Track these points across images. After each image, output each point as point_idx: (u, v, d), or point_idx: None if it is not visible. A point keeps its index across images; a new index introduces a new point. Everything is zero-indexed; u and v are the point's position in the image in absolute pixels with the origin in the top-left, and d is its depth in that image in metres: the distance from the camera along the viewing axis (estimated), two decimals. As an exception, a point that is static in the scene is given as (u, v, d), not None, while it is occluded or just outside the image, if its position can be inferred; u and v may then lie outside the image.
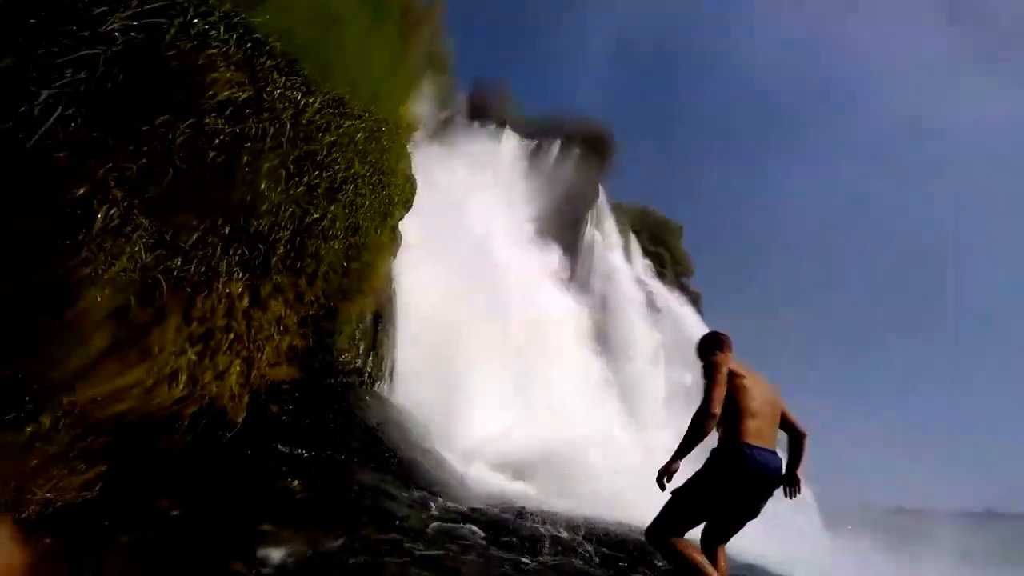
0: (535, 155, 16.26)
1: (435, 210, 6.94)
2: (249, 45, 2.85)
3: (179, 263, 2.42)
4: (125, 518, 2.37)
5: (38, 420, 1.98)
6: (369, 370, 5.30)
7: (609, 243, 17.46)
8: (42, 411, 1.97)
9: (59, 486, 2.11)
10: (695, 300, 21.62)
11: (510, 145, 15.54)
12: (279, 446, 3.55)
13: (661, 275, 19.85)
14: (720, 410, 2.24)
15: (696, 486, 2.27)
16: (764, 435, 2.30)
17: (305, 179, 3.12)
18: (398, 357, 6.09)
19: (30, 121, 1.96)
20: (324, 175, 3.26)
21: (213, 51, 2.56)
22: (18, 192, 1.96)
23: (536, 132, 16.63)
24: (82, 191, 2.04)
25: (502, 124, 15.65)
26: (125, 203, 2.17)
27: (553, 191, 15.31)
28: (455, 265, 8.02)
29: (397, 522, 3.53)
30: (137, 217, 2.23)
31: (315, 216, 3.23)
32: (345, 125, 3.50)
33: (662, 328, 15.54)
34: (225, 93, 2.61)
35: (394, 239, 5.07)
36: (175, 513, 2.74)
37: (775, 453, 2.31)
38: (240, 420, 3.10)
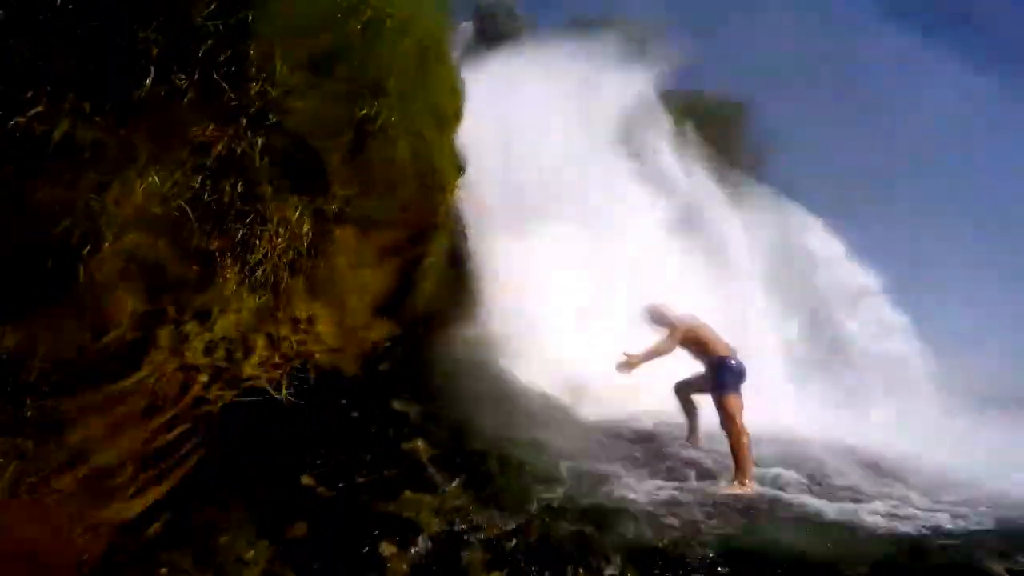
0: (569, 59, 14.51)
1: (487, 138, 6.26)
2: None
3: (209, 184, 1.87)
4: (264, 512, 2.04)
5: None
6: (459, 312, 4.92)
7: (660, 141, 15.72)
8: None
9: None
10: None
11: (534, 57, 13.86)
12: (394, 404, 3.24)
13: (716, 170, 17.34)
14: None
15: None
16: None
17: (339, 72, 2.46)
18: (481, 294, 5.73)
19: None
20: (356, 64, 2.58)
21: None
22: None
23: (561, 38, 14.81)
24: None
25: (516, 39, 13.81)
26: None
27: (598, 93, 13.69)
28: (525, 191, 7.43)
29: (527, 467, 3.28)
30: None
31: (366, 111, 2.60)
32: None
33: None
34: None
35: (455, 161, 4.42)
36: (320, 492, 2.42)
37: None
38: (352, 374, 2.71)
